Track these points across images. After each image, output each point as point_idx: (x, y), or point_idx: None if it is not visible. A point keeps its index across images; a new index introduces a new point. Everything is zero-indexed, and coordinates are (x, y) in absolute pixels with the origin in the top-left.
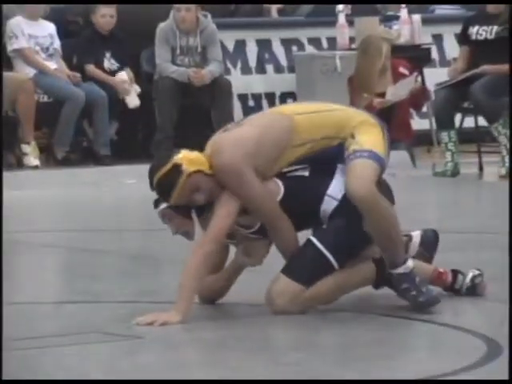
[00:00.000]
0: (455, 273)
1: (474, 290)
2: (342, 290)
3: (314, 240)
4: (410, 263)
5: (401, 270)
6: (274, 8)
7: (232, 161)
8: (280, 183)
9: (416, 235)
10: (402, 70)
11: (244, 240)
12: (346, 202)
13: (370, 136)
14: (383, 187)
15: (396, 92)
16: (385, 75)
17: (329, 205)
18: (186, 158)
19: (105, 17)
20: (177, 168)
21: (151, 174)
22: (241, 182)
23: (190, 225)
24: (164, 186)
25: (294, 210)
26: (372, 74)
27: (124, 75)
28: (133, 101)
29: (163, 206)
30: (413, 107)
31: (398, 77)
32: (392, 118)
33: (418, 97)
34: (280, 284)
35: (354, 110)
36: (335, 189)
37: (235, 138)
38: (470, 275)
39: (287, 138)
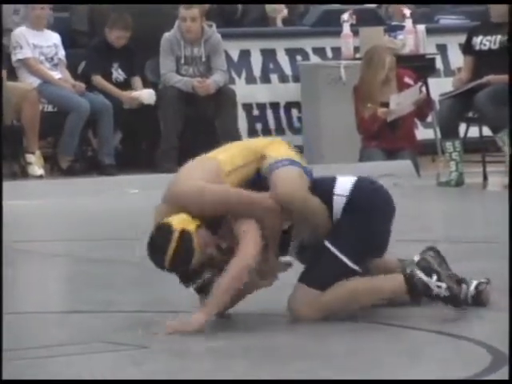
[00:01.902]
0: (459, 282)
1: (478, 299)
2: (362, 295)
3: (328, 244)
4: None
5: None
6: (279, 17)
7: (188, 184)
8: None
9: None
10: (407, 80)
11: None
12: (352, 198)
13: (279, 150)
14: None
15: (399, 101)
16: (389, 85)
17: (339, 204)
18: (180, 221)
19: (121, 39)
20: (184, 233)
21: (158, 254)
22: (204, 195)
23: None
24: (181, 256)
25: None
26: (375, 84)
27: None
28: (148, 97)
29: (193, 286)
30: (417, 117)
31: (403, 87)
32: (397, 127)
33: (423, 107)
34: (299, 292)
35: (261, 139)
36: (341, 186)
37: (179, 180)
38: (474, 283)
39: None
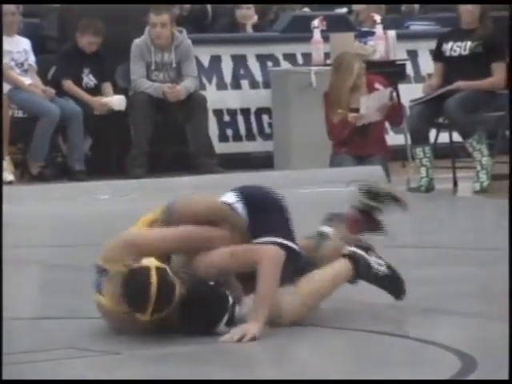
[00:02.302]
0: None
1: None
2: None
3: (261, 240)
4: None
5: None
6: (249, 23)
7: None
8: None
9: None
10: (377, 85)
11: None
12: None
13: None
14: None
15: (369, 104)
16: (359, 91)
17: (240, 209)
18: (150, 261)
19: (92, 44)
20: (161, 271)
21: (141, 296)
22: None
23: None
24: (166, 291)
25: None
26: (344, 90)
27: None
28: (118, 104)
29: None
30: (391, 123)
31: (372, 92)
32: (367, 133)
33: (395, 113)
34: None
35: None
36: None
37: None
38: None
39: None
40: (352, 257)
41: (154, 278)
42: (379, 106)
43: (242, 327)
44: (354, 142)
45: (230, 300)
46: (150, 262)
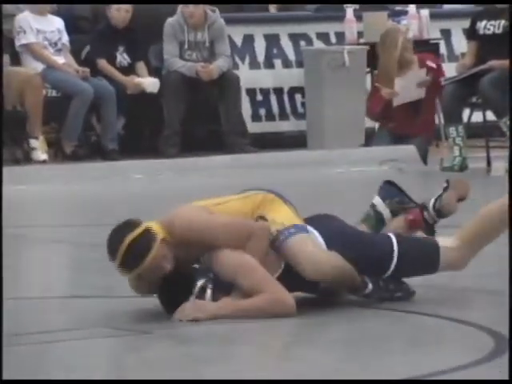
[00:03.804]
0: (421, 210)
1: (441, 213)
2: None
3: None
4: (370, 286)
5: (366, 291)
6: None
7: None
8: (280, 258)
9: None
10: (429, 63)
11: None
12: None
13: (280, 212)
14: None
15: (404, 83)
16: (410, 68)
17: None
18: (153, 225)
19: (119, 10)
20: (150, 232)
21: (116, 238)
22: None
23: None
24: (138, 248)
25: (295, 280)
26: (391, 65)
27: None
28: (151, 86)
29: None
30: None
31: (426, 70)
32: (415, 112)
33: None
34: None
35: (249, 194)
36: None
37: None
38: (431, 203)
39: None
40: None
41: (134, 233)
42: (415, 84)
43: (194, 304)
44: (400, 120)
45: (198, 284)
46: (153, 225)
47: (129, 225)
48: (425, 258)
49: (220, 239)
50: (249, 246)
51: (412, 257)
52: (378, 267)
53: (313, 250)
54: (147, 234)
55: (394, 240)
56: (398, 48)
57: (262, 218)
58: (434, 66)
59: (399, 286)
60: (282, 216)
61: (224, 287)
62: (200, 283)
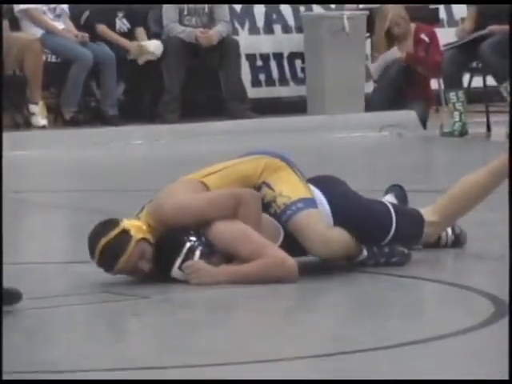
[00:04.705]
0: None
1: (458, 241)
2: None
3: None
4: (364, 252)
5: (361, 257)
6: None
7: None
8: (279, 226)
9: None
10: (423, 36)
11: None
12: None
13: (287, 183)
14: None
15: (377, 65)
16: (405, 40)
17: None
18: (133, 224)
19: None
20: (126, 233)
21: (94, 238)
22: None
23: None
24: (112, 250)
25: (297, 246)
26: (379, 37)
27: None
28: (156, 48)
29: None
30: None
31: (418, 43)
32: (410, 77)
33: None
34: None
35: (254, 158)
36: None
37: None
38: (450, 230)
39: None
40: None
41: (109, 235)
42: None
43: (197, 264)
44: (397, 84)
45: (187, 246)
46: (133, 225)
47: (107, 225)
48: (414, 229)
49: (209, 216)
50: (240, 213)
51: (406, 226)
52: (377, 234)
53: (321, 228)
54: (122, 236)
55: (392, 209)
56: (387, 22)
57: (267, 185)
58: (426, 39)
59: (394, 250)
60: (289, 188)
61: (215, 253)
62: (189, 244)
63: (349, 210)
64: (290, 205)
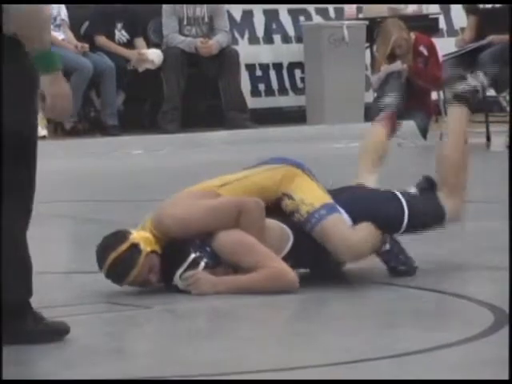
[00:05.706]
0: None
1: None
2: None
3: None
4: (387, 245)
5: (384, 248)
6: None
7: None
8: (288, 229)
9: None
10: (421, 49)
11: None
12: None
13: (307, 191)
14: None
15: (378, 78)
16: (405, 57)
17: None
18: (142, 237)
19: None
20: (135, 247)
21: (103, 252)
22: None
23: None
24: (122, 265)
25: (307, 249)
26: (380, 58)
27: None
28: (156, 56)
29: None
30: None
31: (417, 54)
32: (411, 88)
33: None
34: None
35: (270, 168)
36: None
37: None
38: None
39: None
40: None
41: (119, 250)
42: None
43: (197, 273)
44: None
45: (191, 257)
46: (142, 237)
47: (116, 238)
48: (432, 212)
49: (210, 226)
50: (242, 222)
51: (421, 212)
52: (390, 227)
53: (347, 233)
54: (132, 250)
55: (402, 198)
56: (390, 44)
57: (288, 195)
58: (425, 52)
59: (406, 260)
60: (310, 195)
61: (221, 264)
62: (193, 256)
63: (361, 211)
64: (312, 213)
